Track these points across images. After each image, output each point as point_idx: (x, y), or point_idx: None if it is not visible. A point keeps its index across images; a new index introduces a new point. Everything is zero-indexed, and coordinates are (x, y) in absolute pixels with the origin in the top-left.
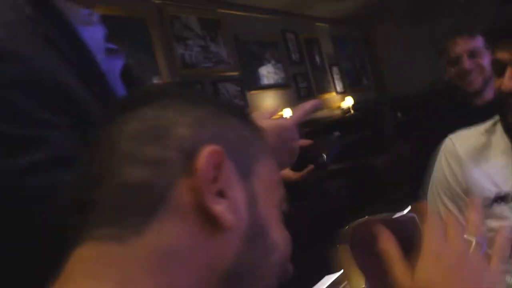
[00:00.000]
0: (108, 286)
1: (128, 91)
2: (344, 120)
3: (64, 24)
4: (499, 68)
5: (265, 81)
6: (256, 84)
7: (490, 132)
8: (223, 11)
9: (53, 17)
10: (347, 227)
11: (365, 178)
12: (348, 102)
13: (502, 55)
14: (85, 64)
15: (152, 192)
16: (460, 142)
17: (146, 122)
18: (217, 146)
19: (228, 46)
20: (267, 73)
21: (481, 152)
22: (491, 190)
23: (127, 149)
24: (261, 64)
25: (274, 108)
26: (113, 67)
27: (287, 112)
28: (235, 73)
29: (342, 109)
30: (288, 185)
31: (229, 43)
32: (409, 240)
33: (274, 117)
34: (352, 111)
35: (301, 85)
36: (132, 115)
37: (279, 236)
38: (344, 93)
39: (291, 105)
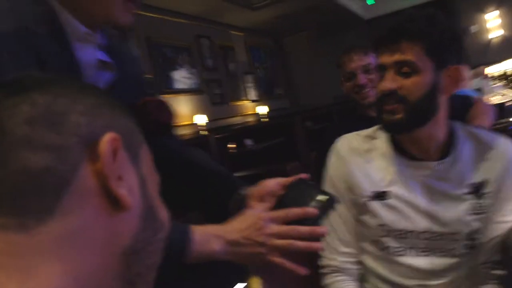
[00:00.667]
0: (14, 277)
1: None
2: (258, 127)
3: (61, 39)
4: (381, 73)
5: (178, 85)
6: (169, 88)
7: (372, 137)
8: (135, 12)
9: (53, 31)
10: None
11: None
12: (261, 110)
13: (384, 59)
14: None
15: (55, 177)
16: (344, 144)
17: (39, 107)
18: (115, 133)
19: (140, 48)
20: (181, 77)
21: (362, 154)
22: (368, 189)
23: (22, 133)
24: (174, 68)
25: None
26: (97, 79)
27: (199, 118)
28: (148, 76)
29: (256, 116)
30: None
31: (141, 44)
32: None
33: None
34: (265, 119)
35: (214, 91)
36: (21, 99)
37: (164, 215)
38: (258, 101)
39: (204, 111)
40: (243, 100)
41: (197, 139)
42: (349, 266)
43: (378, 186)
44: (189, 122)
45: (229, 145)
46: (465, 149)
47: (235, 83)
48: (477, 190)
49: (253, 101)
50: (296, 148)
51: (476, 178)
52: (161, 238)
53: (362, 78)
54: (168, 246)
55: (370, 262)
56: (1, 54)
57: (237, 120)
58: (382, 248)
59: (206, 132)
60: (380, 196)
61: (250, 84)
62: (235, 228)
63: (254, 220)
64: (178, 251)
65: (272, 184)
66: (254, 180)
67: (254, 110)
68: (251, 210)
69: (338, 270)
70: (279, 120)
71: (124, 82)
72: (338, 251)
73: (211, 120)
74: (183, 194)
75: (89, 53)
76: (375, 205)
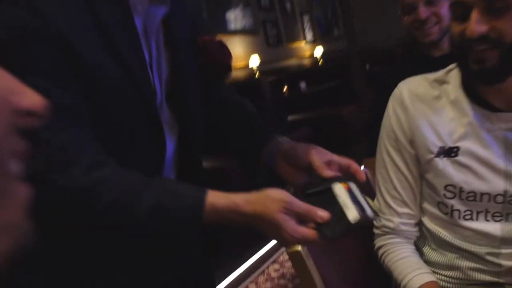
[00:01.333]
0: None
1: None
2: (313, 69)
3: None
4: (461, 12)
5: (232, 26)
6: (222, 29)
7: (442, 81)
8: None
9: None
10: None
11: (331, 127)
12: (318, 51)
13: None
14: (115, 18)
15: None
16: (408, 90)
17: None
18: None
19: None
20: (235, 17)
21: (429, 102)
22: (435, 143)
23: None
24: (228, 7)
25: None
26: (153, 14)
27: (254, 60)
28: None
29: (312, 58)
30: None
31: None
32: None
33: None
34: (321, 61)
35: (270, 32)
36: None
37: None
38: (314, 42)
39: (259, 52)
40: (299, 41)
41: (251, 81)
42: (407, 228)
43: (447, 140)
44: (243, 64)
45: (283, 88)
46: None
47: (291, 24)
48: None
49: (309, 42)
50: (353, 91)
51: None
52: None
53: (423, 11)
54: (182, 210)
55: (431, 225)
56: None
57: (292, 62)
58: (447, 211)
59: (259, 75)
60: (449, 152)
61: (307, 25)
62: (253, 201)
63: (276, 201)
64: (192, 216)
65: (320, 159)
66: (308, 124)
67: (311, 52)
68: (277, 191)
69: (395, 232)
70: (336, 62)
71: (180, 16)
72: (396, 212)
73: (265, 62)
74: (223, 137)
75: None
76: (443, 163)
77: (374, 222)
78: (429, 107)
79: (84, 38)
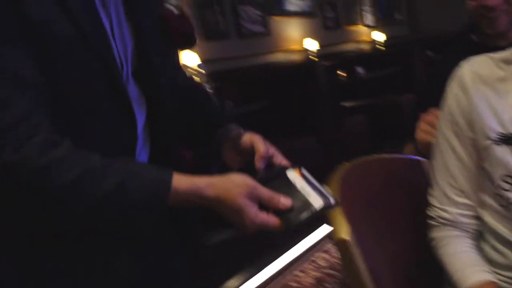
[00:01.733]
0: None
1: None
2: (371, 55)
3: None
4: None
5: (290, 7)
6: (279, 10)
7: (509, 62)
8: None
9: None
10: (338, 168)
11: (387, 116)
12: (377, 36)
13: None
14: None
15: None
16: (470, 69)
17: None
18: None
19: None
20: None
21: (493, 84)
22: (494, 129)
23: None
24: None
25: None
26: None
27: (310, 43)
28: None
29: (370, 43)
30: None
31: None
32: (409, 181)
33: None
34: (381, 47)
35: (328, 15)
36: None
37: None
38: (375, 27)
39: (316, 36)
40: (358, 25)
41: (306, 65)
42: (464, 220)
43: (509, 126)
44: (299, 47)
45: (339, 72)
46: None
47: (350, 6)
48: None
49: (369, 26)
50: (412, 79)
51: None
52: None
53: None
54: (147, 190)
55: (489, 219)
56: None
57: (350, 46)
58: (504, 204)
59: (316, 59)
60: (510, 139)
61: (367, 8)
62: (218, 185)
63: (240, 185)
64: (155, 199)
65: (264, 149)
66: (363, 111)
67: (370, 37)
68: (238, 175)
69: (451, 224)
70: (396, 48)
71: None
72: (453, 201)
73: (322, 45)
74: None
75: None
76: (502, 151)
77: (428, 212)
78: (492, 89)
79: (37, 3)
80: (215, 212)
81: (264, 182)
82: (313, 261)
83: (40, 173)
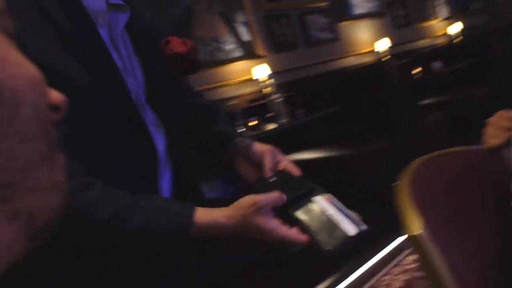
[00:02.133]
0: None
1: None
2: (447, 49)
3: None
4: None
5: (357, 10)
6: (347, 14)
7: None
8: None
9: None
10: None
11: (466, 111)
12: (453, 29)
13: None
14: (81, 34)
15: None
16: None
17: None
18: None
19: None
20: (359, 1)
21: None
22: None
23: None
24: None
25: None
26: (115, 23)
27: (382, 43)
28: (323, 4)
29: (445, 36)
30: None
31: None
32: (487, 173)
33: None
34: (457, 39)
35: (397, 13)
36: None
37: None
38: (450, 19)
39: (386, 35)
40: (431, 20)
41: (377, 66)
42: None
43: None
44: (370, 49)
45: (413, 71)
46: None
47: (421, 2)
48: None
49: (444, 19)
50: (491, 71)
51: None
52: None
53: None
54: (170, 225)
55: None
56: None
57: (423, 43)
58: None
59: (386, 58)
60: None
61: (440, 1)
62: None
63: (248, 206)
64: (181, 230)
65: (271, 161)
66: (441, 107)
67: (445, 30)
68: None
69: None
70: (473, 39)
71: (139, 20)
72: None
73: (393, 45)
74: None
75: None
76: None
77: None
78: None
79: (52, 54)
80: None
81: (294, 208)
82: (401, 264)
83: (77, 215)
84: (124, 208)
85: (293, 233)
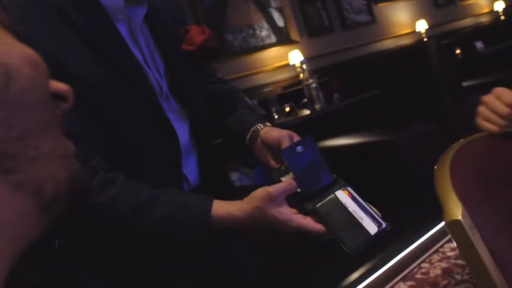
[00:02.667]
0: None
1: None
2: (491, 27)
3: None
4: None
5: None
6: None
7: None
8: None
9: None
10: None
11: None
12: (500, 6)
13: None
14: (99, 32)
15: None
16: None
17: None
18: None
19: None
20: None
21: None
22: None
23: None
24: None
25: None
26: (134, 16)
27: (421, 25)
28: None
29: (493, 14)
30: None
31: None
32: None
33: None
34: (502, 17)
35: None
36: None
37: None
38: None
39: (427, 16)
40: None
41: (417, 48)
42: None
43: None
44: (411, 30)
45: (456, 51)
46: None
47: None
48: None
49: None
50: None
51: None
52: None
53: None
54: (188, 219)
55: None
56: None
57: (467, 22)
58: None
59: (428, 39)
60: None
61: None
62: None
63: (261, 197)
64: (198, 226)
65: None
66: (486, 89)
67: (491, 8)
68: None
69: None
70: None
71: (160, 12)
72: None
73: (434, 25)
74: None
75: None
76: None
77: None
78: None
79: (72, 56)
80: None
81: (315, 201)
82: (440, 252)
83: (100, 210)
84: (144, 203)
85: (309, 222)
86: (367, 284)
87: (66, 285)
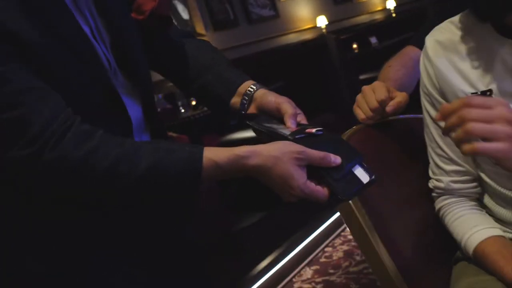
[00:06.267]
0: None
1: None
2: (384, 23)
3: None
4: None
5: None
6: None
7: (466, 21)
8: None
9: None
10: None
11: None
12: (392, 4)
13: None
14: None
15: None
16: (432, 40)
17: None
18: None
19: None
20: None
21: (454, 47)
22: (465, 90)
23: None
24: None
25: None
26: None
27: (321, 20)
28: None
29: (386, 12)
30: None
31: None
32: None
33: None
34: (394, 14)
35: None
36: None
37: None
38: None
39: (327, 12)
40: None
41: (318, 43)
42: (459, 186)
43: (478, 84)
44: (311, 25)
45: (353, 46)
46: None
47: None
48: None
49: None
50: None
51: None
52: None
53: None
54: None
55: (488, 179)
56: None
57: (363, 18)
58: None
59: (328, 35)
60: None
61: None
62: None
63: (288, 152)
64: (190, 170)
65: (291, 110)
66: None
67: (383, 5)
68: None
69: (448, 192)
70: (407, 13)
71: None
72: (444, 170)
73: (333, 21)
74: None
75: None
76: None
77: (429, 184)
78: (455, 52)
79: (16, 20)
80: (248, 194)
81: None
82: (342, 235)
83: (79, 165)
84: (127, 154)
85: (319, 189)
86: (275, 272)
87: (5, 267)
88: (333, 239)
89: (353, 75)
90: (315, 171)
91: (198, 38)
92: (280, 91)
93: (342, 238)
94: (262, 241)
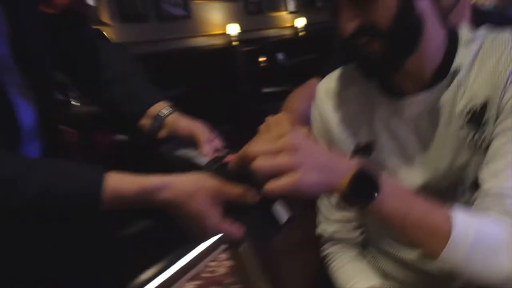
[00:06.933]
0: None
1: None
2: (292, 41)
3: None
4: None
5: None
6: None
7: (353, 69)
8: None
9: None
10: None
11: None
12: (300, 23)
13: None
14: None
15: None
16: (321, 88)
17: None
18: None
19: None
20: None
21: (339, 96)
22: (349, 141)
23: None
24: None
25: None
26: None
27: (232, 28)
28: None
29: (294, 29)
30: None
31: None
32: None
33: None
34: (302, 32)
35: (251, 0)
36: None
37: None
38: (297, 13)
39: (238, 20)
40: (281, 11)
41: (226, 50)
42: (343, 235)
43: (361, 135)
44: (221, 32)
45: (260, 59)
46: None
47: None
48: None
49: (291, 12)
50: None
51: None
52: None
53: None
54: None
55: (373, 226)
56: None
57: (272, 32)
58: None
59: (237, 43)
60: (365, 149)
61: None
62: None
63: (204, 188)
64: (86, 203)
65: (205, 135)
66: (283, 97)
67: (292, 23)
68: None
69: (331, 240)
70: (316, 33)
71: None
72: (328, 219)
73: (244, 30)
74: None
75: None
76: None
77: (316, 231)
78: (339, 101)
79: None
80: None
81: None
82: (226, 250)
83: None
84: (17, 171)
85: (233, 229)
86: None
87: None
88: (219, 253)
89: (257, 88)
90: (233, 205)
91: (103, 27)
92: (180, 99)
93: (228, 253)
94: (145, 251)
